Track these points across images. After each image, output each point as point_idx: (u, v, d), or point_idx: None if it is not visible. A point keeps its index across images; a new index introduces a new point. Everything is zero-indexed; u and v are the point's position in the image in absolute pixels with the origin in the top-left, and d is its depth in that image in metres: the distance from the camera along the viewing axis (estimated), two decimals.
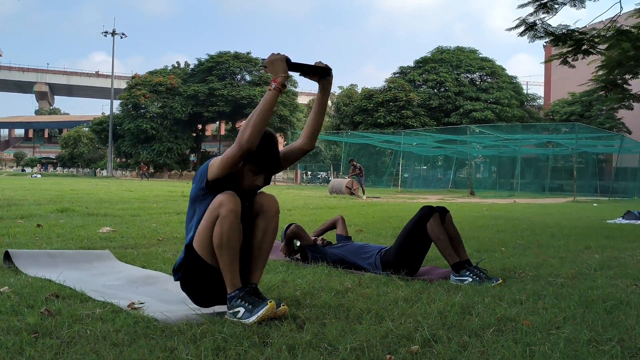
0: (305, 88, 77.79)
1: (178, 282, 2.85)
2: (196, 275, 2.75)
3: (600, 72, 9.48)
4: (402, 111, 46.70)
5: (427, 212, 3.99)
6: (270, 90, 2.60)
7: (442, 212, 4.09)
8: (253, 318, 2.47)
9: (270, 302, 2.41)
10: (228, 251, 2.60)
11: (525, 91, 54.19)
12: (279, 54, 2.66)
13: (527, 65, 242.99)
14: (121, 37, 60.43)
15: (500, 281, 3.72)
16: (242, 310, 2.54)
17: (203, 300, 2.80)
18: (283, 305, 2.54)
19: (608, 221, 10.80)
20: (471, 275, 3.77)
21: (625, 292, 3.49)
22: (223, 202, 2.59)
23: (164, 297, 2.98)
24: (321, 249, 4.46)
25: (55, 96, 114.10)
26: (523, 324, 2.62)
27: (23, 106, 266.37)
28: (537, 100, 55.79)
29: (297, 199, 17.45)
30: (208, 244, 2.66)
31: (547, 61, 10.66)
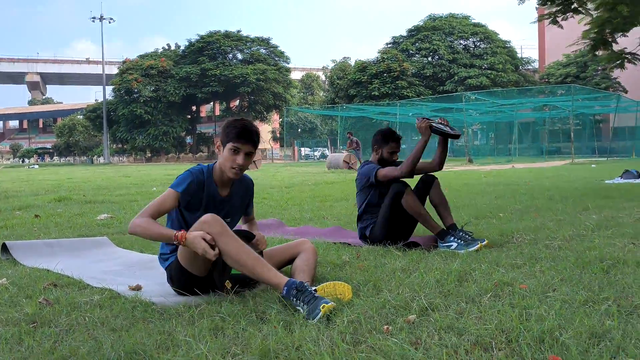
0: (299, 64, 77.15)
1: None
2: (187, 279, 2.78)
3: (590, 30, 9.38)
4: (397, 82, 46.39)
5: (400, 189, 3.95)
6: (175, 237, 2.59)
7: (429, 181, 4.12)
8: (313, 321, 2.27)
9: (322, 307, 2.27)
10: (246, 264, 2.58)
11: (519, 55, 53.81)
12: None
13: (506, 33, 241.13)
14: (109, 22, 59.82)
15: (485, 242, 3.78)
16: (301, 310, 2.37)
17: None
18: (331, 303, 2.34)
19: (606, 181, 10.81)
20: (455, 239, 3.84)
21: (623, 251, 3.50)
22: (208, 222, 2.60)
23: (162, 281, 2.98)
24: None
25: (47, 85, 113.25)
26: (520, 288, 2.64)
27: (16, 97, 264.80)
28: (532, 64, 55.42)
29: (295, 175, 17.44)
30: (190, 257, 2.69)
31: (538, 20, 10.50)
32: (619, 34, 9.38)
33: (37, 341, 2.08)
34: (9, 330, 2.22)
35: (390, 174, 3.97)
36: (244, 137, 2.79)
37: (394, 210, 3.95)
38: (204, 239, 2.54)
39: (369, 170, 4.09)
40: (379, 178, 3.99)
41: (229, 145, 2.78)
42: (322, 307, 2.26)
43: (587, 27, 9.38)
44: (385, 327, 2.12)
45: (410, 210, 3.89)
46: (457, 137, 4.05)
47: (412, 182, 4.11)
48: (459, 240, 3.82)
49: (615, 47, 10.05)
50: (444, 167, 4.36)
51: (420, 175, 4.22)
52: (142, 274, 3.35)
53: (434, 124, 3.99)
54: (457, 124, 38.14)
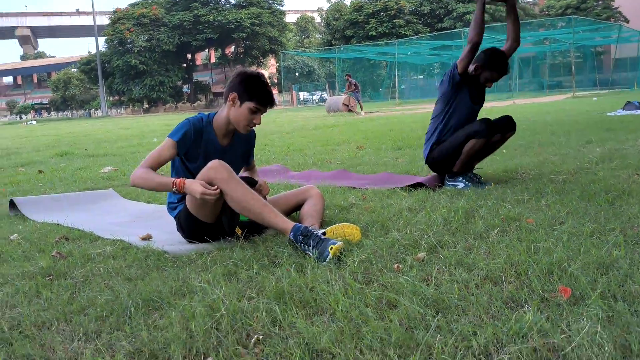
0: (293, 6, 75.20)
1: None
2: (194, 224, 2.78)
3: None
4: (394, 20, 45.59)
5: (483, 129, 3.85)
6: (174, 184, 2.60)
7: (507, 130, 4.06)
8: (324, 263, 2.29)
9: (330, 248, 2.30)
10: (254, 209, 2.59)
11: None
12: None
13: None
14: None
15: (492, 186, 3.76)
16: (310, 253, 2.38)
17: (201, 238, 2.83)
18: (339, 243, 2.37)
19: (608, 114, 10.75)
20: (464, 180, 3.87)
21: (627, 182, 3.51)
22: (215, 168, 2.60)
23: (171, 229, 3.01)
24: None
25: (38, 39, 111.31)
26: (527, 223, 2.66)
27: (7, 53, 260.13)
28: None
29: (295, 120, 17.36)
30: (197, 205, 2.68)
31: None
32: None
33: (55, 293, 2.12)
34: (26, 283, 2.26)
35: (463, 54, 3.81)
36: (270, 102, 2.80)
37: (465, 142, 3.86)
38: (202, 185, 2.55)
39: (452, 68, 3.92)
40: (459, 68, 3.84)
41: (250, 105, 2.74)
42: (331, 248, 2.28)
43: None
44: (396, 265, 2.15)
45: (467, 149, 3.83)
46: None
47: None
48: (467, 182, 3.83)
49: None
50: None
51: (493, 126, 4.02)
52: (151, 224, 3.38)
53: None
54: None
